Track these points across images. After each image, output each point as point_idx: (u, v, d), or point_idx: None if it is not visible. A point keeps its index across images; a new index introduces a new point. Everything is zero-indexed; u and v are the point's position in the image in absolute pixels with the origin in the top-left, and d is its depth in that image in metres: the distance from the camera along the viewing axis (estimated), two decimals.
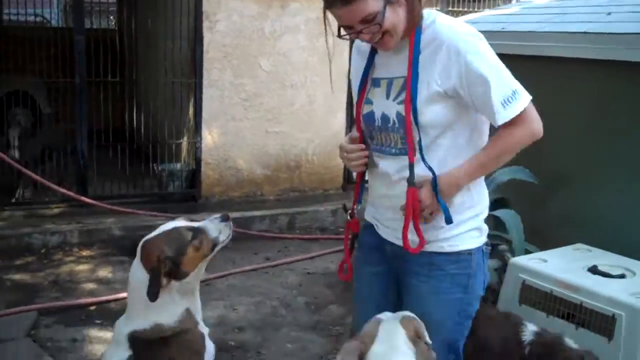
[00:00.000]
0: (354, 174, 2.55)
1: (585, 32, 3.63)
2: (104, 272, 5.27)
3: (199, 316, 2.48)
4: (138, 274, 2.33)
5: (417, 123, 2.20)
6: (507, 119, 2.17)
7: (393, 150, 2.30)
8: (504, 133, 2.21)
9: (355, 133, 2.40)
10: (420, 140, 2.22)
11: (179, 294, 2.36)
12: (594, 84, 3.85)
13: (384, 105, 2.28)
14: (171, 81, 6.87)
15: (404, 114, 2.21)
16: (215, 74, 6.76)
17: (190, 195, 6.84)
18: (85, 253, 5.62)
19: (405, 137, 2.23)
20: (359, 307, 2.62)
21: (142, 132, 7.22)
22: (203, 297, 4.56)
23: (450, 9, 8.08)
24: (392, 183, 2.31)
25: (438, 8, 8.02)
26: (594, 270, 3.36)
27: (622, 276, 3.29)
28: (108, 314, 4.51)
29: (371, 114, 2.32)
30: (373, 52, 2.35)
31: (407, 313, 2.24)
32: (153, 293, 2.25)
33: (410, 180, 2.22)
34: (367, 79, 2.36)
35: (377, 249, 2.48)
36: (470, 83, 2.15)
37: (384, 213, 2.42)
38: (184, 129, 7.03)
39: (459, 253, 2.33)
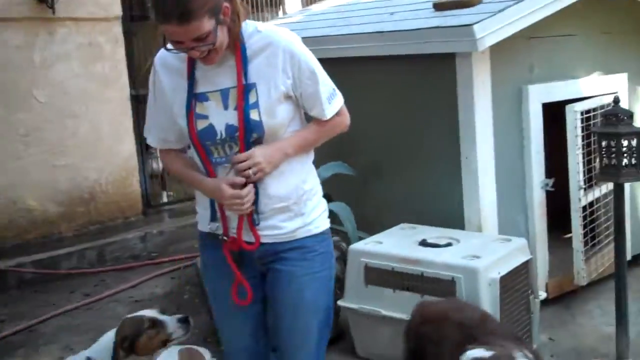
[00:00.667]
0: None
1: (378, 32, 3.99)
2: None
3: None
4: (109, 337, 2.81)
5: (264, 126, 2.30)
6: (333, 113, 2.41)
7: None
8: (319, 122, 2.42)
9: (237, 179, 2.29)
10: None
11: None
12: (389, 79, 4.23)
13: (225, 116, 2.31)
14: None
15: (257, 118, 2.29)
16: None
17: None
18: None
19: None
20: (227, 322, 2.60)
21: None
22: (31, 345, 4.40)
23: None
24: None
25: None
26: (424, 243, 3.72)
27: (449, 244, 3.69)
28: None
29: (210, 128, 2.32)
30: (191, 68, 2.33)
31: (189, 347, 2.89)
32: (114, 358, 2.72)
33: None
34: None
35: (233, 259, 2.43)
36: (303, 82, 2.33)
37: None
38: None
39: (322, 233, 2.50)
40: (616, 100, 3.40)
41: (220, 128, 2.31)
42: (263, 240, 2.38)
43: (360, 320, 3.75)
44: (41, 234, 6.59)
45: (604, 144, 3.38)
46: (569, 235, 4.53)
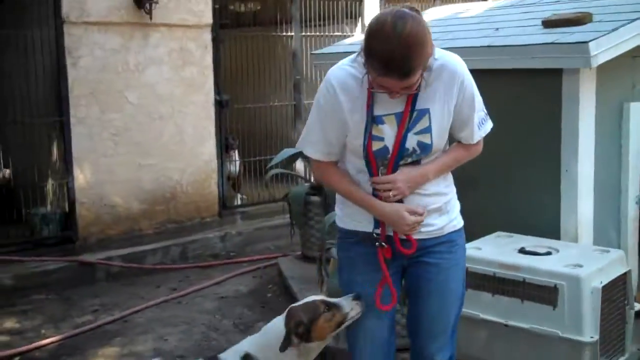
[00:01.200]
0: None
1: (486, 46, 4.12)
2: (10, 323, 4.98)
3: None
4: (277, 325, 2.73)
5: (430, 150, 2.53)
6: (480, 138, 2.64)
7: None
8: (464, 146, 2.65)
9: (419, 209, 2.53)
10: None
11: (298, 354, 2.71)
12: (493, 91, 4.31)
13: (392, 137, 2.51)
14: (33, 122, 6.58)
15: (428, 142, 2.51)
16: (82, 111, 6.58)
17: (66, 237, 6.57)
18: None
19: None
20: (367, 311, 2.72)
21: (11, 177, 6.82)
22: (128, 334, 4.61)
23: (304, 34, 8.48)
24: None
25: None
26: (523, 251, 3.81)
27: (549, 253, 3.76)
28: None
29: (384, 148, 2.52)
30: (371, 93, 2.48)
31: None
32: (283, 346, 2.65)
33: None
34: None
35: (376, 254, 2.65)
36: (463, 107, 2.54)
37: None
38: (53, 169, 6.75)
39: (461, 229, 2.75)
40: None
41: (391, 148, 2.52)
42: (415, 236, 2.58)
43: (458, 323, 3.85)
44: (123, 231, 6.86)
45: None
46: None
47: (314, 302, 2.71)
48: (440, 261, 2.65)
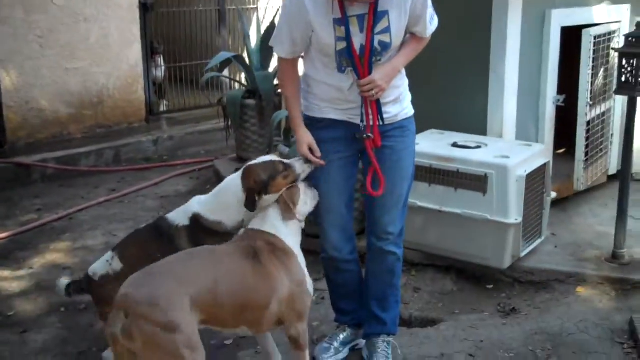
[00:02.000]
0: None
1: None
2: None
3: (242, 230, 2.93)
4: (233, 186, 2.88)
5: (390, 47, 2.84)
6: (432, 31, 2.98)
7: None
8: (418, 39, 2.97)
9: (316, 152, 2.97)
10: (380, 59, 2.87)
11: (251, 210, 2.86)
12: None
13: (361, 38, 2.79)
14: None
15: (387, 40, 2.82)
16: (5, 11, 6.43)
17: None
18: None
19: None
20: (328, 190, 3.06)
21: None
22: (76, 230, 4.77)
23: None
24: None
25: None
26: (456, 145, 4.19)
27: (479, 147, 4.16)
28: None
29: (347, 48, 2.80)
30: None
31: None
32: (250, 203, 2.82)
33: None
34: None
35: (340, 138, 3.01)
36: (417, 6, 2.83)
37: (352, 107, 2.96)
38: None
39: (412, 116, 3.12)
40: (638, 25, 3.88)
41: (356, 47, 2.81)
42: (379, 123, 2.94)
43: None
44: (52, 134, 6.87)
45: (624, 62, 3.87)
46: (560, 150, 5.15)
47: (272, 161, 2.89)
48: (394, 144, 3.01)
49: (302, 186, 2.93)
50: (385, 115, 2.95)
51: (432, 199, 4.08)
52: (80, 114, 7.05)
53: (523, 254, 4.03)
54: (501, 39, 4.29)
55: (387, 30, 2.81)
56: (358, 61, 2.82)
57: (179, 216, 2.95)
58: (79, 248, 4.62)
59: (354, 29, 2.79)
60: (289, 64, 3.01)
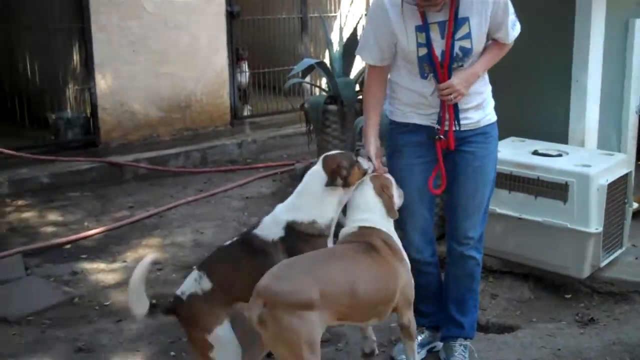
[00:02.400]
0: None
1: None
2: (54, 216, 5.38)
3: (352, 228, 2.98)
4: (315, 177, 2.95)
5: (471, 53, 2.93)
6: (514, 37, 3.04)
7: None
8: (500, 45, 3.04)
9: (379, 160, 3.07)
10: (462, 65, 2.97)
11: (336, 200, 2.96)
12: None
13: (442, 44, 2.89)
14: (55, 27, 6.78)
15: (468, 46, 2.91)
16: (102, 19, 6.79)
17: (90, 141, 6.91)
18: (21, 203, 5.62)
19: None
20: (411, 193, 3.15)
21: (29, 82, 7.05)
22: (166, 227, 5.01)
23: None
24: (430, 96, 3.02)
25: None
26: (537, 153, 4.23)
27: (560, 155, 4.19)
28: (87, 250, 4.79)
29: (428, 55, 2.92)
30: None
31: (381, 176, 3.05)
32: (331, 183, 2.90)
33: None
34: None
35: (423, 143, 3.12)
36: (498, 13, 2.91)
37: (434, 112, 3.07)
38: (74, 75, 7.00)
39: (495, 123, 3.20)
40: None
41: (437, 53, 2.92)
42: (455, 129, 3.02)
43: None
44: (142, 136, 7.20)
45: None
46: None
47: (347, 152, 3.06)
48: (476, 149, 3.10)
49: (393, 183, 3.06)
50: (467, 121, 3.04)
51: (511, 206, 4.12)
52: (170, 117, 7.37)
53: (603, 264, 4.03)
54: (584, 48, 4.30)
55: (467, 36, 2.91)
56: (439, 67, 2.92)
57: (270, 229, 2.91)
58: (168, 244, 4.86)
59: (435, 35, 2.90)
60: (376, 71, 3.12)
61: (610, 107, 4.56)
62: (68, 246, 4.80)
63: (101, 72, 6.83)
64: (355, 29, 6.25)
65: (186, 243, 4.85)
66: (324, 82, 8.04)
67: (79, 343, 3.55)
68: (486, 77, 3.12)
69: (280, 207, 2.99)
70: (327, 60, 6.77)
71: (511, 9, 2.96)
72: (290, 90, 6.66)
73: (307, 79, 7.40)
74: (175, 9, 7.22)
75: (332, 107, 6.03)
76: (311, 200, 2.93)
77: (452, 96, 2.93)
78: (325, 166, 2.95)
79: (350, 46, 6.22)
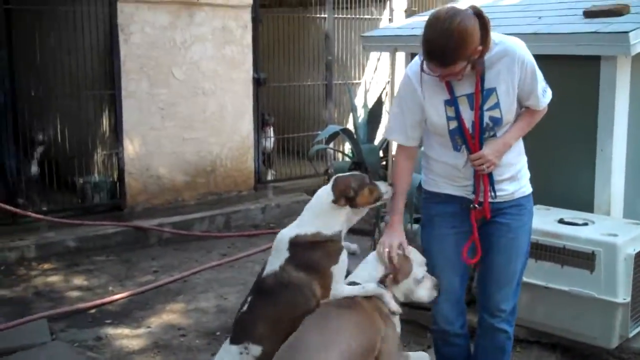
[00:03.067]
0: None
1: (533, 33, 4.50)
2: (79, 281, 5.41)
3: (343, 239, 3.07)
4: (324, 194, 3.04)
5: (501, 122, 2.95)
6: (546, 104, 3.05)
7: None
8: (531, 112, 3.04)
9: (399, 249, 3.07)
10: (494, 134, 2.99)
11: (343, 218, 3.03)
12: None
13: (472, 115, 2.93)
14: (85, 94, 6.95)
15: (498, 116, 2.93)
16: (132, 85, 6.96)
17: (116, 205, 6.99)
18: (47, 266, 5.67)
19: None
20: (443, 264, 3.14)
21: (59, 147, 7.19)
22: (190, 292, 5.02)
23: (336, 16, 8.83)
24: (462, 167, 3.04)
25: (325, 15, 8.74)
26: (562, 221, 4.21)
27: (586, 224, 4.17)
28: (111, 315, 4.78)
29: (458, 127, 2.96)
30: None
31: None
32: (336, 201, 2.98)
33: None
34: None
35: (457, 213, 3.11)
36: (526, 81, 2.93)
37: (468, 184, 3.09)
38: (103, 140, 7.15)
39: (530, 195, 3.17)
40: None
41: (468, 125, 2.95)
42: (491, 199, 3.03)
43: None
44: (167, 200, 7.28)
45: None
46: None
47: (360, 174, 3.14)
48: (510, 221, 3.07)
49: (420, 270, 3.06)
50: (501, 193, 3.03)
51: (538, 275, 4.08)
52: (195, 181, 7.45)
53: (631, 335, 3.96)
54: (609, 117, 4.33)
55: (496, 106, 2.92)
56: (469, 138, 2.94)
57: (274, 262, 2.97)
58: (192, 310, 4.86)
59: (464, 107, 2.93)
60: (404, 152, 3.15)
61: (636, 176, 4.56)
62: (93, 311, 4.82)
63: (129, 137, 6.96)
64: (380, 97, 6.34)
65: (210, 309, 4.85)
66: (347, 147, 8.15)
67: None
68: (521, 148, 3.12)
69: (287, 228, 3.08)
70: (350, 126, 6.85)
71: (540, 76, 2.98)
72: (314, 155, 6.75)
73: (331, 144, 7.49)
74: (203, 76, 7.38)
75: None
76: (316, 215, 3.02)
77: (484, 166, 2.94)
78: (334, 185, 3.04)
79: (375, 113, 6.31)
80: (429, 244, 3.13)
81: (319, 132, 6.63)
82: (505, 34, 4.63)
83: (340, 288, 2.95)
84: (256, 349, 2.85)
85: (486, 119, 2.94)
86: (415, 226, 4.54)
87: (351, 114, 6.88)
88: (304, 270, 2.90)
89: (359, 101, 7.28)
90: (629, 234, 4.00)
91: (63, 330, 4.49)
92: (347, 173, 3.17)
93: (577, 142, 4.53)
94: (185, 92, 7.28)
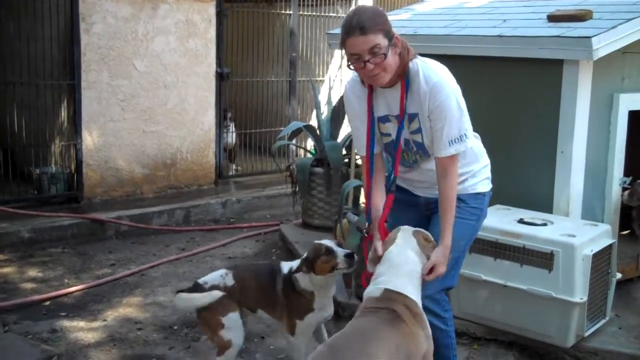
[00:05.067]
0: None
1: (497, 35, 4.54)
2: (33, 272, 5.29)
3: (318, 300, 3.52)
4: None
5: (426, 146, 3.03)
6: (445, 154, 2.95)
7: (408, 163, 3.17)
8: (441, 182, 2.99)
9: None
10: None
11: (311, 283, 3.49)
12: (498, 77, 4.75)
13: (404, 134, 3.04)
14: (43, 84, 6.81)
15: (420, 140, 3.03)
16: (92, 76, 6.84)
17: (72, 197, 6.86)
18: (0, 257, 5.54)
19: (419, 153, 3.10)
20: None
21: (15, 136, 7.03)
22: (147, 286, 4.95)
23: (301, 13, 8.81)
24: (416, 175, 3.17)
25: (290, 11, 8.72)
26: (522, 221, 4.26)
27: (545, 224, 4.22)
28: (66, 307, 4.70)
29: (392, 142, 3.08)
30: (370, 96, 3.04)
31: (420, 229, 3.03)
32: (297, 270, 3.51)
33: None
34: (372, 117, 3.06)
35: (410, 202, 3.25)
36: (432, 116, 2.94)
37: (417, 185, 3.23)
38: (61, 131, 7.01)
39: (477, 194, 3.21)
40: None
41: (401, 142, 3.06)
42: (428, 195, 3.18)
43: (461, 283, 4.28)
44: (126, 193, 7.17)
45: None
46: (625, 232, 5.13)
47: (320, 244, 3.46)
48: None
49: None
50: (435, 191, 3.08)
51: (497, 274, 4.13)
52: (154, 174, 7.36)
53: (587, 334, 4.02)
54: (570, 119, 4.39)
55: (418, 131, 3.01)
56: (398, 154, 3.07)
57: (286, 266, 3.61)
58: (150, 303, 4.79)
59: (391, 125, 3.06)
60: (366, 162, 3.18)
61: (595, 178, 4.64)
62: (47, 303, 4.71)
63: (88, 128, 6.84)
64: (342, 96, 6.35)
65: (167, 303, 4.78)
66: (309, 143, 8.15)
67: None
68: (473, 156, 3.16)
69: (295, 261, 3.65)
70: (314, 123, 6.84)
71: (457, 123, 2.92)
72: (277, 151, 6.72)
73: (294, 141, 7.47)
74: (165, 69, 7.29)
75: (319, 170, 6.09)
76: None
77: (432, 276, 2.93)
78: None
79: (338, 110, 6.32)
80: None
81: (282, 128, 6.62)
82: (470, 36, 4.76)
83: (297, 345, 3.52)
84: (230, 280, 3.53)
85: (410, 142, 3.06)
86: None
87: (314, 111, 6.87)
88: (284, 294, 3.54)
89: (322, 98, 7.27)
90: (587, 235, 4.07)
91: (16, 322, 4.38)
92: (319, 242, 3.50)
93: (538, 143, 4.58)
94: (146, 85, 7.18)
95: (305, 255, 3.51)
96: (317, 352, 2.64)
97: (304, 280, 3.48)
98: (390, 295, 2.80)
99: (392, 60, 2.86)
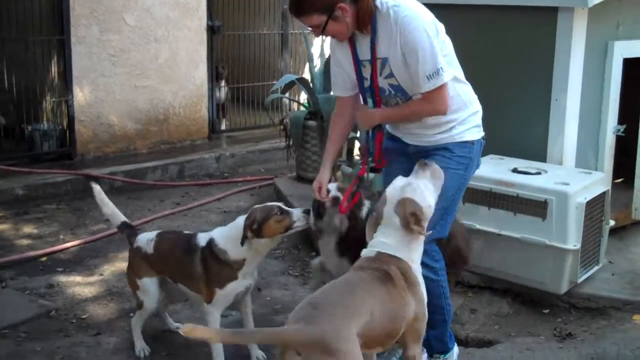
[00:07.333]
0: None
1: None
2: (29, 229, 5.31)
3: (245, 268, 3.30)
4: (239, 222, 3.26)
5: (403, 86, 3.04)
6: (427, 89, 2.95)
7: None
8: (419, 102, 3.04)
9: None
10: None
11: (249, 249, 3.25)
12: (493, 25, 4.69)
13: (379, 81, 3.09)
14: (33, 39, 6.72)
15: (396, 83, 3.05)
16: (82, 31, 6.75)
17: (65, 153, 6.83)
18: None
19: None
20: None
21: (6, 93, 6.95)
22: None
23: None
24: None
25: None
26: (516, 170, 4.27)
27: (539, 173, 4.24)
28: (63, 262, 4.72)
29: (369, 87, 3.14)
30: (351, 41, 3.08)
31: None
32: (242, 241, 3.20)
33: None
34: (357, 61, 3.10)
35: (401, 151, 3.28)
36: (405, 54, 2.93)
37: (404, 131, 3.25)
38: (52, 87, 6.94)
39: (465, 142, 3.17)
40: None
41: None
42: (415, 143, 3.21)
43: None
44: (119, 149, 7.15)
45: None
46: (619, 180, 5.16)
47: (271, 205, 3.27)
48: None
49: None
50: (425, 138, 3.17)
51: (491, 223, 4.15)
52: (147, 130, 7.33)
53: (580, 280, 4.07)
54: (564, 68, 4.37)
55: (391, 75, 3.02)
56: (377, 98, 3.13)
57: (203, 238, 3.37)
58: None
59: (366, 70, 3.10)
60: (340, 101, 3.29)
61: (589, 127, 4.63)
62: (44, 259, 4.73)
63: (79, 84, 6.78)
64: None
65: None
66: (303, 97, 8.10)
67: (56, 356, 3.50)
68: (460, 104, 3.13)
69: (218, 228, 3.41)
70: (307, 76, 6.79)
71: (432, 57, 2.89)
72: (270, 105, 6.68)
73: (287, 94, 7.43)
74: (156, 22, 7.20)
75: (312, 123, 6.07)
76: (230, 238, 3.27)
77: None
78: (245, 219, 3.23)
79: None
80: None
81: (275, 82, 6.56)
82: None
83: (211, 313, 3.32)
84: (151, 249, 3.46)
85: (386, 86, 3.07)
86: (371, 175, 4.55)
87: (307, 64, 6.82)
88: (203, 267, 3.31)
89: (315, 51, 7.20)
90: (581, 183, 4.09)
91: (13, 278, 4.40)
92: (261, 205, 3.29)
93: (532, 92, 4.56)
94: (137, 39, 7.10)
95: (247, 220, 3.20)
96: (301, 304, 2.60)
97: (236, 250, 3.25)
98: (383, 257, 2.78)
99: (337, 27, 2.94)
